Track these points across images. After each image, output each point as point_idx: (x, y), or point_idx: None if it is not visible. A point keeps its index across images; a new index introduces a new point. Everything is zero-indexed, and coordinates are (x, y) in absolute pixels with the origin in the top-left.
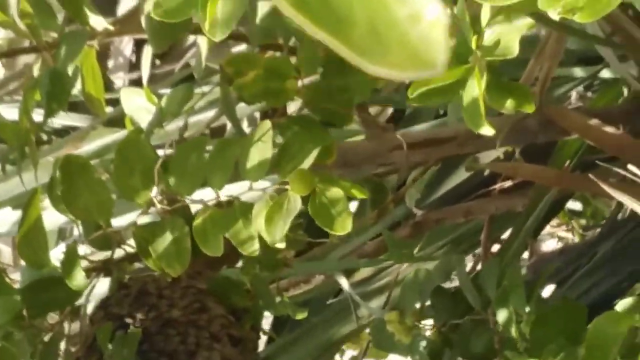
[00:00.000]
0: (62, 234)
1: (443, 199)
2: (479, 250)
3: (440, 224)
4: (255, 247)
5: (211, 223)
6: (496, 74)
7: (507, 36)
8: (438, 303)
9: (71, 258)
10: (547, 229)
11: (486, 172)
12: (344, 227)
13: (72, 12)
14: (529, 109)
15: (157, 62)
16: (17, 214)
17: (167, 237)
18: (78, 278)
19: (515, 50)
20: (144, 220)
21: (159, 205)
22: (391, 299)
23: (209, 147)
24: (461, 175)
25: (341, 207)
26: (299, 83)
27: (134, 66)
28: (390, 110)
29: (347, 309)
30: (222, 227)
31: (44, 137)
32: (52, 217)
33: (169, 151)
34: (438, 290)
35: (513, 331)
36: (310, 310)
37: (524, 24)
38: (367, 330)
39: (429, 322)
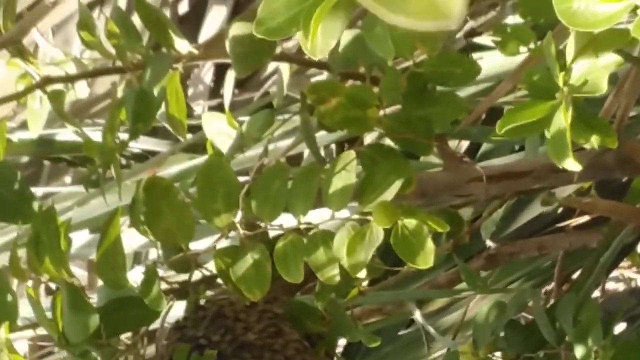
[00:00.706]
0: (137, 257)
1: (517, 233)
2: (550, 287)
3: (513, 257)
4: (335, 272)
5: (292, 249)
6: (579, 109)
7: (594, 73)
8: (511, 336)
9: (150, 278)
10: (617, 269)
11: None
12: (426, 261)
13: (157, 35)
14: (612, 144)
15: (236, 90)
16: (92, 237)
17: (248, 261)
18: (156, 298)
19: (603, 88)
20: (223, 244)
21: (241, 230)
22: (464, 331)
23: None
24: (536, 209)
25: (424, 241)
26: (380, 112)
27: (214, 94)
28: (465, 143)
29: (419, 340)
30: (304, 253)
31: (123, 161)
32: (127, 241)
33: (247, 178)
34: (511, 323)
35: None
36: (382, 340)
37: (612, 62)
38: None
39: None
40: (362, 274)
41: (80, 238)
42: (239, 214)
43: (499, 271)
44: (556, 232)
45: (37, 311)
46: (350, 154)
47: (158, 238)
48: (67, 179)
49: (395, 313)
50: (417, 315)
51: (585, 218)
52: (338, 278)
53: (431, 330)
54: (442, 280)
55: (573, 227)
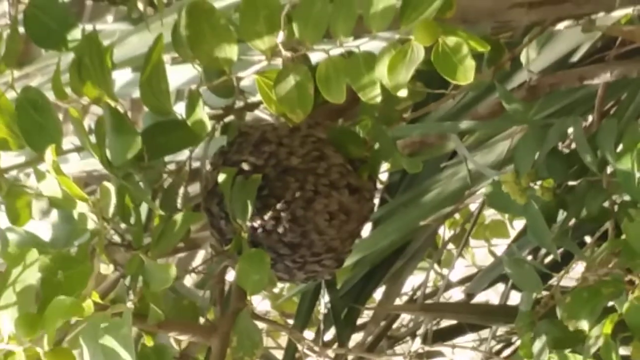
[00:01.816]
0: (180, 95)
1: (558, 63)
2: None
3: (554, 88)
4: (376, 92)
5: (334, 69)
6: None
7: None
8: (553, 164)
9: (194, 100)
10: None
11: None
12: (466, 76)
13: None
14: None
15: None
16: (134, 75)
17: (290, 82)
18: (200, 120)
19: None
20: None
21: (284, 52)
22: (505, 162)
23: None
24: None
25: (464, 57)
26: None
27: None
28: None
29: (462, 172)
30: (345, 74)
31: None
32: (170, 78)
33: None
34: (553, 151)
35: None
36: (424, 173)
37: None
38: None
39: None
40: (404, 92)
41: (123, 77)
42: (281, 37)
43: (540, 103)
44: (597, 62)
45: (81, 134)
46: None
47: (201, 61)
48: (109, 17)
49: (437, 145)
50: (459, 144)
51: (626, 48)
52: (380, 98)
53: (472, 159)
54: (483, 111)
55: (614, 57)
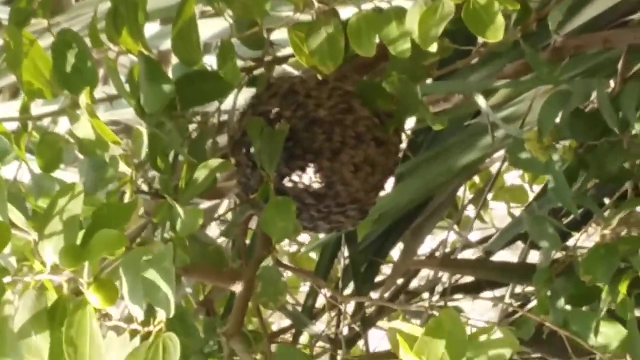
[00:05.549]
0: (207, 48)
1: (584, 27)
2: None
3: (579, 50)
4: (406, 46)
5: (365, 23)
6: None
7: None
8: (575, 124)
9: (226, 50)
10: None
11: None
12: (496, 34)
13: None
14: None
15: None
16: (163, 28)
17: (322, 35)
18: (232, 69)
19: None
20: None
21: (316, 4)
22: (528, 121)
23: None
24: (604, 3)
25: (494, 15)
26: None
27: None
28: None
29: (485, 131)
30: (376, 27)
31: None
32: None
33: None
34: (576, 111)
35: None
36: (448, 131)
37: None
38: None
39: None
40: (433, 47)
41: (151, 29)
42: None
43: (564, 65)
44: (621, 26)
45: (115, 81)
46: None
47: (234, 11)
48: None
49: (461, 103)
50: (483, 104)
51: None
52: (409, 52)
53: (495, 118)
54: (508, 71)
55: (638, 22)
